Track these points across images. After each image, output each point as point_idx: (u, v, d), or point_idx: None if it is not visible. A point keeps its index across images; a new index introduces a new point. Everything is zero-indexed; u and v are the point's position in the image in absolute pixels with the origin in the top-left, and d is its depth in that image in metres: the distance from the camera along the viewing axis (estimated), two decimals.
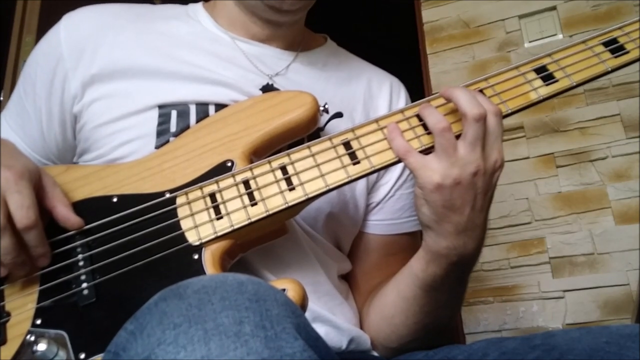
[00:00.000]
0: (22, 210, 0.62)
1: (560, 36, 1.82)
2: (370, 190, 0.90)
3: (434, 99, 0.73)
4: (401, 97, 0.97)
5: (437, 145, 0.67)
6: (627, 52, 0.73)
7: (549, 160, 1.73)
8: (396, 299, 0.79)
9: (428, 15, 2.03)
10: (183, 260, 0.65)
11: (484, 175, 0.68)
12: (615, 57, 0.73)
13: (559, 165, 1.72)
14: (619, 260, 1.58)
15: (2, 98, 1.99)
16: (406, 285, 0.77)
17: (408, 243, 0.91)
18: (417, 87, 1.85)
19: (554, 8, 1.85)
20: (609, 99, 1.71)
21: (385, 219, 0.90)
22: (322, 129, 0.84)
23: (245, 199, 0.68)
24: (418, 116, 0.71)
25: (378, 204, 0.90)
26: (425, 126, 0.70)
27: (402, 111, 0.73)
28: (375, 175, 0.89)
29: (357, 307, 0.88)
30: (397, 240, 0.91)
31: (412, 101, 0.76)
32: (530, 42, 1.85)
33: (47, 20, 0.86)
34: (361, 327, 0.85)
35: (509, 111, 0.71)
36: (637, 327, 0.58)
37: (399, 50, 2.80)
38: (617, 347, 0.56)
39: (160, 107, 0.79)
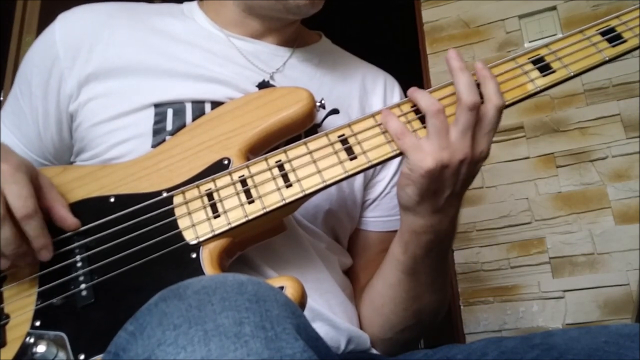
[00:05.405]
0: (20, 200, 0.62)
1: (560, 36, 1.81)
2: (367, 186, 0.90)
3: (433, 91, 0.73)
4: (395, 93, 0.97)
5: (431, 127, 0.67)
6: (625, 41, 0.73)
7: (549, 160, 1.73)
8: (383, 288, 0.80)
9: (428, 15, 2.03)
10: (181, 260, 0.65)
11: (470, 164, 0.68)
12: (613, 46, 0.73)
13: (559, 165, 1.72)
14: (619, 260, 1.58)
15: (2, 98, 2.00)
16: (390, 271, 0.78)
17: None
18: (417, 87, 1.84)
19: (554, 8, 1.85)
20: (609, 99, 1.71)
21: (382, 216, 0.91)
22: (319, 125, 0.84)
23: (242, 196, 0.68)
24: (415, 111, 0.71)
25: (374, 200, 0.91)
26: (422, 120, 0.70)
27: (398, 105, 0.72)
28: (371, 171, 0.90)
29: (356, 303, 0.88)
30: (393, 236, 0.91)
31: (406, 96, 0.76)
32: (530, 42, 1.85)
33: (47, 20, 0.85)
34: (360, 323, 0.85)
35: (506, 103, 0.71)
36: (637, 326, 0.58)
37: (399, 50, 2.80)
38: (616, 347, 0.56)
39: (156, 105, 0.79)
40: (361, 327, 0.84)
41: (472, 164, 0.69)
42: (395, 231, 0.90)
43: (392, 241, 0.78)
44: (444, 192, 0.69)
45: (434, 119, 0.67)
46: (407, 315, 0.79)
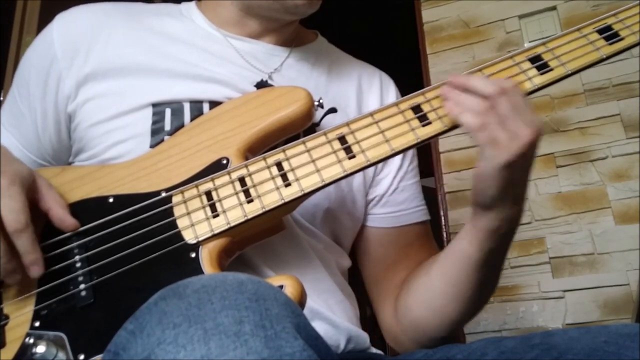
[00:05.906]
0: (12, 214, 0.61)
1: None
2: (371, 185, 0.90)
3: (428, 91, 0.72)
4: (390, 91, 0.97)
5: (501, 111, 0.65)
6: (622, 39, 0.73)
7: (549, 160, 1.73)
8: (447, 287, 0.77)
9: (428, 15, 2.03)
10: (180, 259, 0.65)
11: (534, 145, 0.66)
12: (610, 44, 0.73)
13: (559, 165, 1.72)
14: (619, 260, 1.58)
15: (2, 98, 2.00)
16: (458, 270, 0.75)
17: (421, 231, 0.90)
18: (417, 87, 1.84)
19: (554, 8, 1.85)
20: (609, 99, 1.71)
21: (392, 212, 0.90)
22: (317, 124, 0.84)
23: (241, 196, 0.68)
24: (413, 109, 0.71)
25: (382, 197, 0.90)
26: (420, 119, 0.70)
27: (396, 104, 0.72)
28: (373, 169, 0.90)
29: (384, 306, 0.87)
30: (409, 230, 0.90)
31: (402, 95, 0.75)
32: (530, 42, 1.85)
33: (47, 20, 0.86)
34: (391, 327, 0.84)
35: None
36: (637, 326, 0.58)
37: (399, 50, 2.80)
38: (615, 347, 0.56)
39: (154, 105, 0.79)
40: (384, 329, 0.83)
41: (534, 145, 0.66)
42: (409, 225, 0.89)
43: (457, 240, 0.75)
44: (524, 179, 0.68)
45: (505, 102, 0.65)
46: (469, 311, 0.78)
